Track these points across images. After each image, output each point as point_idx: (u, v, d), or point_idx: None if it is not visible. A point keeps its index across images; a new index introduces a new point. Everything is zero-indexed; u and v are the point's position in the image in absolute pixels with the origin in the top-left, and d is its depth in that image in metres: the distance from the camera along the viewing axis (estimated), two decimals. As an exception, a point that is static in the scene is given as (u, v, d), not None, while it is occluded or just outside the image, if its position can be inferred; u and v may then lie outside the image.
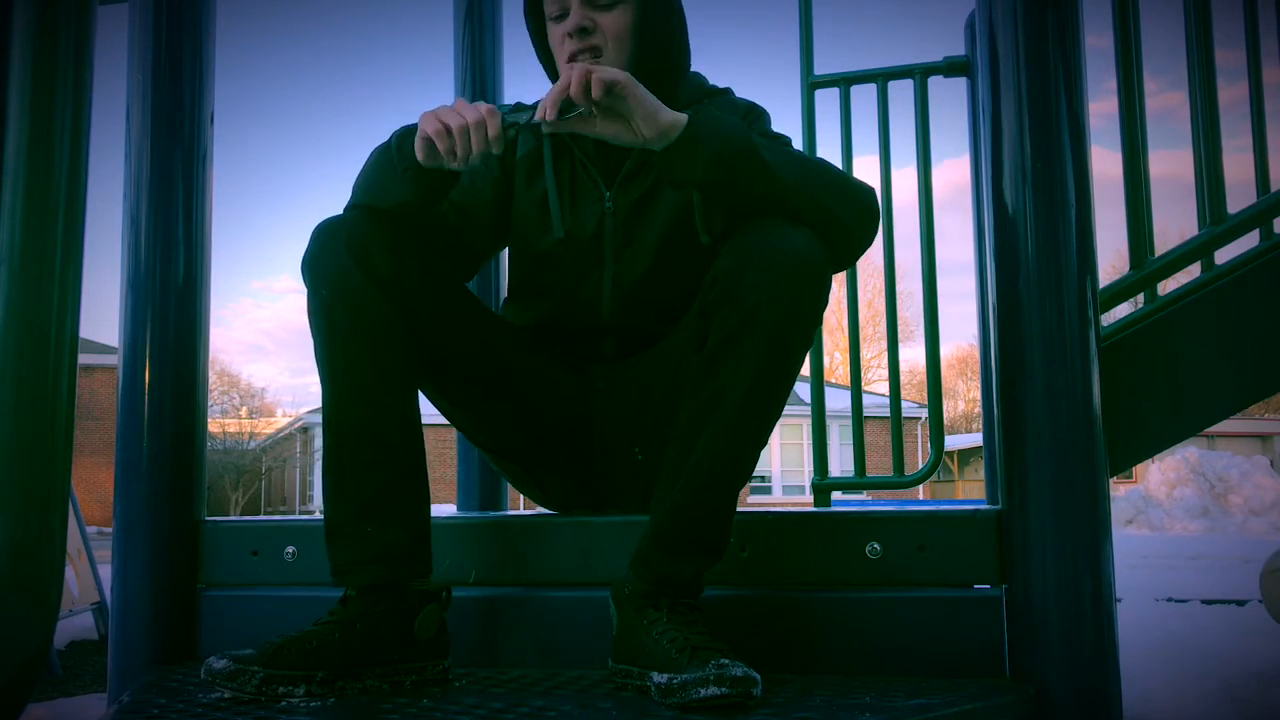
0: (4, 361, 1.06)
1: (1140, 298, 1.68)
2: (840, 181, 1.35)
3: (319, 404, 1.42)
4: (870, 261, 1.73)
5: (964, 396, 37.57)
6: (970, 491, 25.08)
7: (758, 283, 1.21)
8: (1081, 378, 1.30)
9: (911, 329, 26.21)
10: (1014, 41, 1.36)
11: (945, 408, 5.44)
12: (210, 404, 2.51)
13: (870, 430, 12.92)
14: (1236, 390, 1.54)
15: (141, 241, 1.58)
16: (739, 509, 1.34)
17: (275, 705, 1.18)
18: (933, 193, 2.15)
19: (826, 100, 2.21)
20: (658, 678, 1.15)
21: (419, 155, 1.31)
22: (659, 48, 1.49)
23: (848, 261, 1.38)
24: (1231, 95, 1.71)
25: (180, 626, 1.56)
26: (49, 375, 1.08)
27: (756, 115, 1.57)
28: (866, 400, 2.22)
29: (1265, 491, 12.49)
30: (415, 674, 1.31)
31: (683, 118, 1.28)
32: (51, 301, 1.09)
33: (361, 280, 1.31)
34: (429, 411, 1.58)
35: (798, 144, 1.57)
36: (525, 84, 1.61)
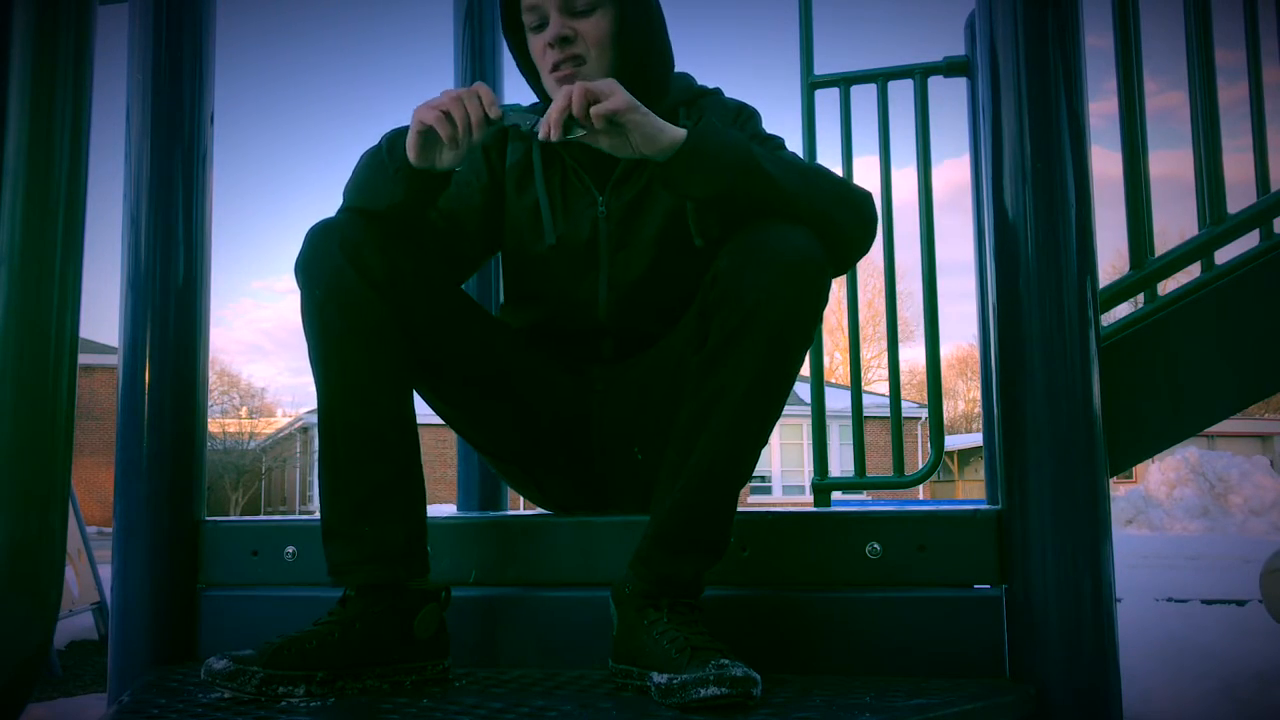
0: (4, 361, 1.06)
1: (1140, 298, 1.68)
2: (839, 187, 1.36)
3: (319, 404, 1.42)
4: (870, 261, 1.73)
5: (964, 396, 37.57)
6: (970, 491, 25.08)
7: (757, 282, 1.21)
8: (1081, 378, 1.30)
9: (911, 329, 26.22)
10: (1014, 41, 1.36)
11: (945, 408, 5.44)
12: (210, 404, 2.51)
13: (870, 430, 12.92)
14: (1236, 390, 1.54)
15: (141, 241, 1.57)
16: (739, 509, 1.34)
17: (275, 705, 1.18)
18: (933, 193, 2.15)
19: (826, 100, 2.21)
20: (658, 678, 1.15)
21: (411, 153, 1.32)
22: (640, 50, 1.49)
23: (846, 266, 1.39)
24: (1231, 95, 1.71)
25: (180, 626, 1.56)
26: (49, 375, 1.08)
27: (748, 116, 1.57)
28: (866, 400, 2.22)
29: (1265, 491, 12.49)
30: (415, 674, 1.31)
31: (681, 132, 1.28)
32: (51, 301, 1.09)
33: (355, 280, 1.31)
34: (428, 411, 1.58)
35: (796, 144, 1.58)
36: (525, 84, 1.61)
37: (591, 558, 1.47)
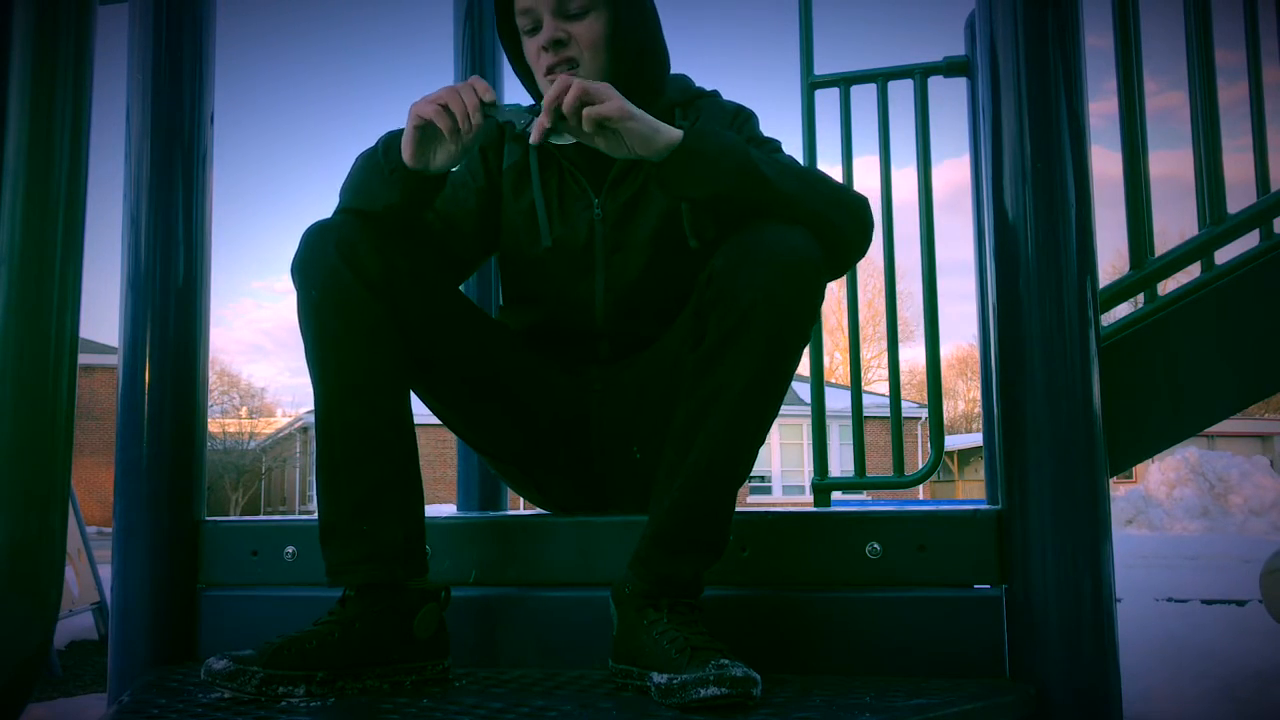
0: (4, 361, 1.06)
1: (1140, 298, 1.68)
2: (836, 191, 1.36)
3: (319, 404, 1.42)
4: (870, 261, 1.73)
5: (964, 396, 37.57)
6: (970, 491, 25.07)
7: (753, 281, 1.21)
8: (1081, 378, 1.30)
9: (911, 329, 26.23)
10: (1014, 41, 1.36)
11: (945, 408, 5.44)
12: (210, 404, 2.51)
13: (870, 430, 12.92)
14: (1236, 390, 1.54)
15: (141, 241, 1.57)
16: (739, 509, 1.34)
17: (275, 705, 1.18)
18: (933, 193, 2.15)
19: (826, 100, 2.21)
20: (658, 678, 1.15)
21: (407, 151, 1.32)
22: (634, 52, 1.49)
23: (843, 269, 1.39)
24: (1231, 95, 1.71)
25: (180, 626, 1.56)
26: (49, 375, 1.08)
27: (745, 118, 1.57)
28: (866, 400, 2.22)
29: (1265, 491, 12.48)
30: (415, 674, 1.31)
31: (678, 134, 1.29)
32: (51, 301, 1.09)
33: (351, 280, 1.31)
34: (428, 412, 1.58)
35: (796, 145, 1.58)
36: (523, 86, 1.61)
37: (591, 558, 1.47)
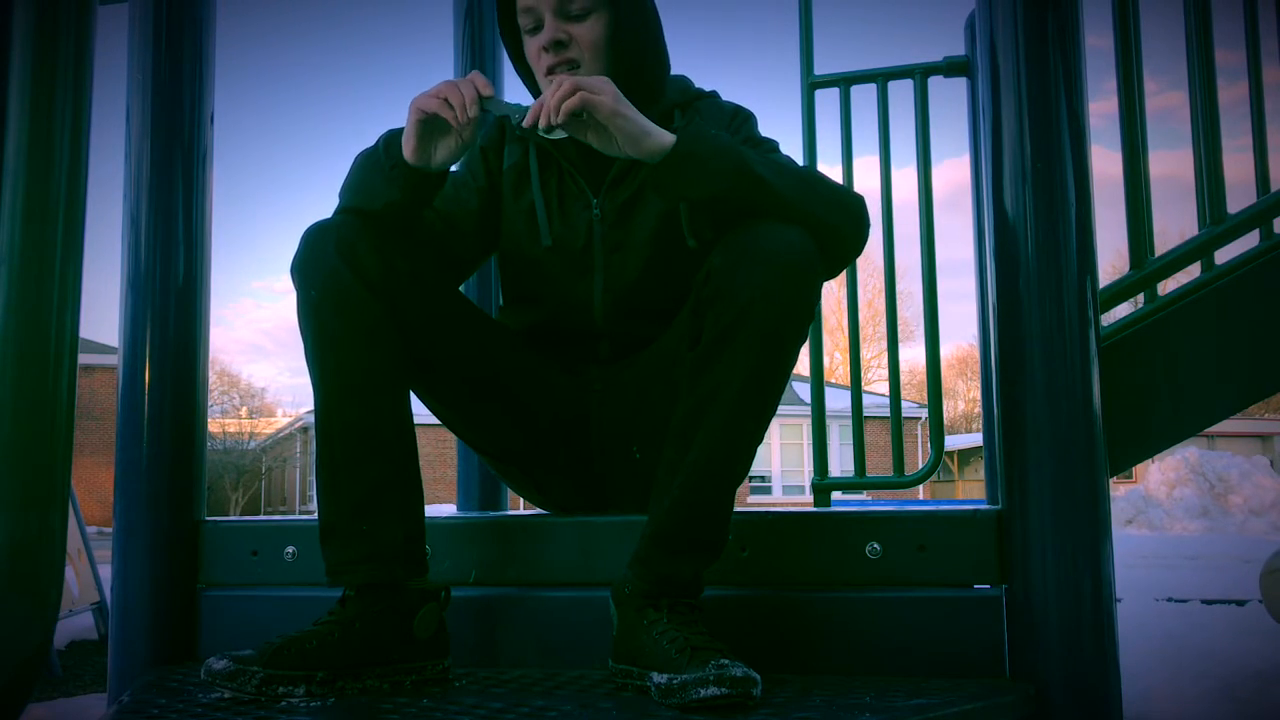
0: (4, 361, 1.06)
1: (1140, 298, 1.68)
2: (832, 190, 1.36)
3: (319, 404, 1.42)
4: (870, 261, 1.73)
5: (964, 396, 37.57)
6: (970, 491, 25.07)
7: (751, 280, 1.21)
8: (1081, 378, 1.30)
9: (911, 329, 26.23)
10: (1014, 42, 1.36)
11: (945, 408, 5.45)
12: (210, 404, 2.51)
13: (870, 430, 12.92)
14: (1236, 390, 1.54)
15: (141, 241, 1.58)
16: (739, 509, 1.34)
17: (275, 705, 1.18)
18: (933, 193, 2.15)
19: (826, 100, 2.21)
20: (658, 678, 1.16)
21: (409, 147, 1.33)
22: (635, 54, 1.49)
23: (840, 267, 1.39)
24: (1231, 95, 1.71)
25: (180, 626, 1.56)
26: (49, 375, 1.08)
27: (743, 119, 1.57)
28: (866, 400, 2.22)
29: (1265, 491, 12.48)
30: (415, 674, 1.31)
31: (671, 137, 1.29)
32: (51, 301, 1.09)
33: (350, 280, 1.31)
34: (428, 412, 1.58)
35: (796, 145, 1.58)
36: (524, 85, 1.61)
37: (591, 558, 1.47)
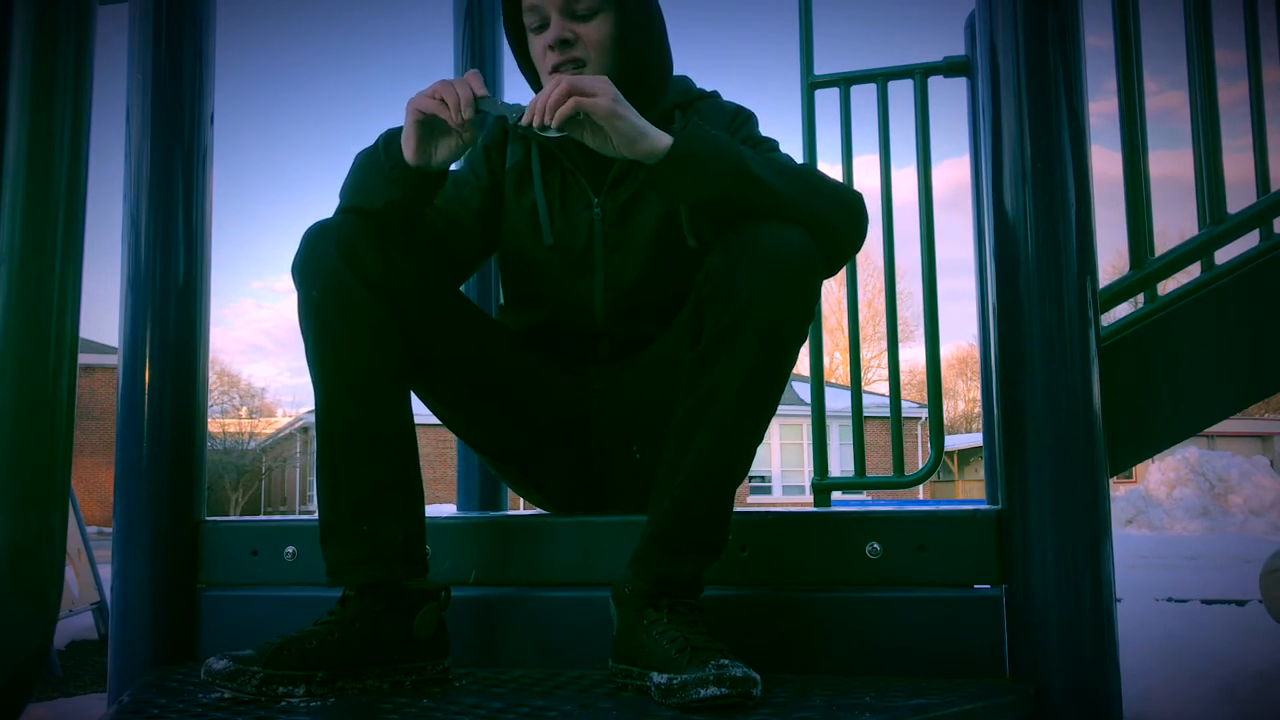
0: (4, 361, 1.06)
1: (1140, 298, 1.68)
2: (830, 188, 1.36)
3: (319, 404, 1.42)
4: (870, 261, 1.74)
5: (964, 396, 37.57)
6: (970, 491, 25.07)
7: (750, 280, 1.21)
8: (1081, 378, 1.30)
9: (911, 329, 26.22)
10: (1014, 42, 1.36)
11: (945, 408, 5.44)
12: (210, 404, 2.51)
13: (870, 430, 12.92)
14: (1236, 390, 1.54)
15: (141, 241, 1.57)
16: (738, 509, 1.34)
17: (275, 705, 1.18)
18: (933, 193, 2.15)
19: (826, 100, 2.21)
20: (658, 678, 1.16)
21: (409, 147, 1.33)
22: (640, 55, 1.49)
23: (839, 265, 1.39)
24: (1231, 95, 1.71)
25: (180, 626, 1.56)
26: (49, 375, 1.08)
27: (744, 119, 1.57)
28: (866, 400, 2.22)
29: (1265, 491, 12.48)
30: (415, 674, 1.31)
31: (668, 138, 1.28)
32: (51, 301, 1.09)
33: (351, 280, 1.31)
34: (429, 411, 1.58)
35: (796, 144, 1.58)
36: (526, 84, 1.61)
37: (591, 558, 1.47)
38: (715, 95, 1.62)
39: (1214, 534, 11.18)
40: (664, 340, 1.49)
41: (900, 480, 2.18)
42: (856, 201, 1.37)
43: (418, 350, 1.41)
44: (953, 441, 26.27)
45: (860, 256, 1.45)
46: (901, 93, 2.16)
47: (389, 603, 1.30)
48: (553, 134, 1.29)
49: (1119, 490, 13.72)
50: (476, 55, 2.39)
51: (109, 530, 1.79)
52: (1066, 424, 1.30)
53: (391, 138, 1.37)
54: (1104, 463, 1.31)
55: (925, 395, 3.28)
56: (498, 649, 1.46)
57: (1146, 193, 1.67)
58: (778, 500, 22.91)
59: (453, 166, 1.42)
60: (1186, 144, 1.67)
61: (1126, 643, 1.40)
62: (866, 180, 2.21)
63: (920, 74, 2.14)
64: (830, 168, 1.60)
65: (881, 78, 2.17)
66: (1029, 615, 1.30)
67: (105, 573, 2.03)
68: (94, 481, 20.69)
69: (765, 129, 1.58)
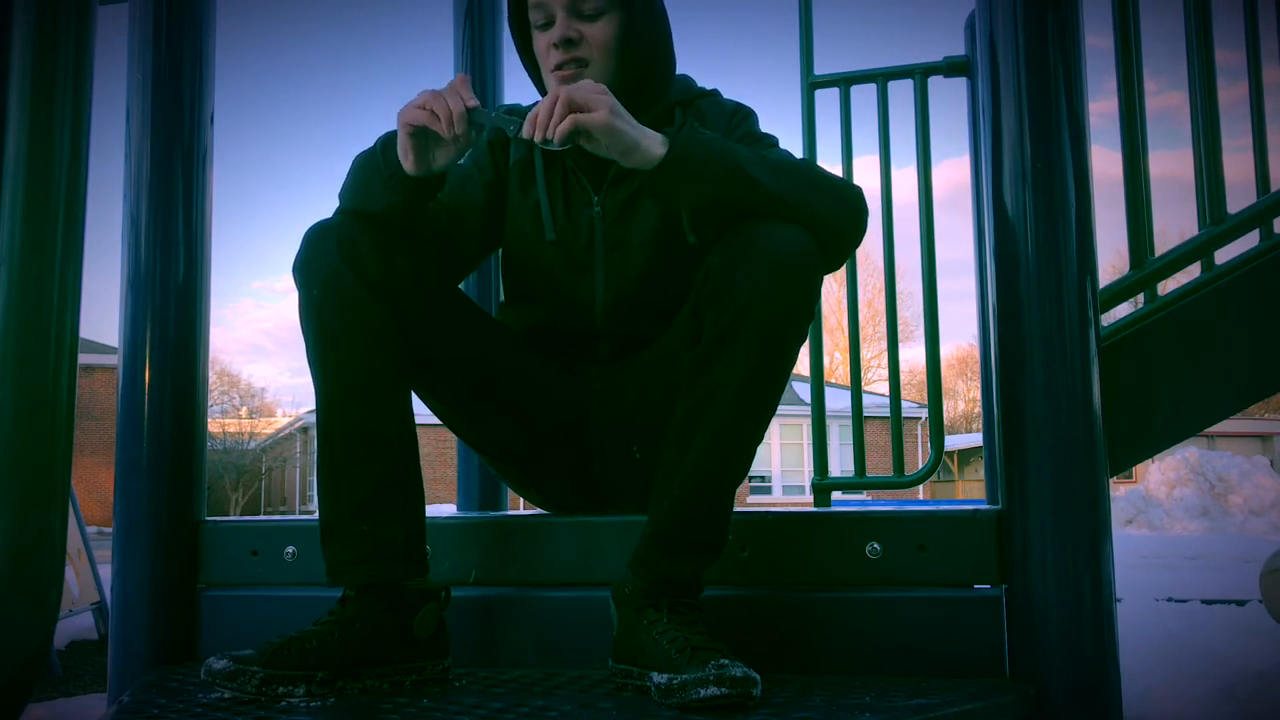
0: (4, 361, 1.06)
1: (1140, 298, 1.68)
2: (828, 183, 1.35)
3: (319, 404, 1.42)
4: (870, 261, 1.74)
5: (964, 396, 37.57)
6: (970, 491, 25.07)
7: (750, 280, 1.21)
8: (1081, 378, 1.30)
9: (911, 329, 26.22)
10: (1014, 42, 1.36)
11: (945, 408, 5.44)
12: (210, 404, 2.51)
13: (870, 430, 12.92)
14: (1236, 390, 1.54)
15: (141, 241, 1.58)
16: (739, 509, 1.34)
17: (275, 705, 1.18)
18: (933, 193, 2.15)
19: (826, 100, 2.21)
20: (658, 678, 1.16)
21: (406, 161, 1.32)
22: (644, 56, 1.49)
23: (839, 261, 1.39)
24: (1231, 95, 1.71)
25: (180, 626, 1.56)
26: (49, 375, 1.08)
27: (743, 116, 1.57)
28: (866, 400, 2.22)
29: (1265, 491, 12.48)
30: (415, 674, 1.31)
31: (661, 148, 1.27)
32: (51, 301, 1.09)
33: (352, 280, 1.31)
34: (429, 411, 1.58)
35: (796, 145, 1.58)
36: (526, 84, 1.61)
37: (591, 558, 1.47)
38: (715, 93, 1.62)
39: (1214, 534, 11.18)
40: (664, 340, 1.49)
41: (900, 480, 2.18)
42: (856, 196, 1.37)
43: (418, 350, 1.41)
44: (953, 441, 26.27)
45: (860, 256, 1.45)
46: (901, 93, 2.16)
47: (389, 603, 1.30)
48: (554, 146, 1.27)
49: (1119, 490, 13.72)
50: (476, 55, 2.39)
51: (109, 530, 1.79)
52: (1066, 424, 1.30)
53: (389, 142, 1.36)
54: (1104, 463, 1.31)
55: (925, 395, 3.28)
56: (498, 649, 1.46)
57: (1146, 193, 1.67)
58: (778, 500, 22.91)
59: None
60: (1186, 144, 1.67)
61: (1126, 643, 1.40)
62: (866, 180, 2.20)
63: (920, 74, 2.14)
64: (830, 168, 1.60)
65: (881, 78, 2.17)
66: (1029, 615, 1.30)
67: (105, 573, 2.03)
68: (94, 481, 20.69)
69: (765, 129, 1.58)
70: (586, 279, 1.54)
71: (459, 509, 2.34)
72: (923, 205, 2.14)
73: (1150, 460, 9.16)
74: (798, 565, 1.41)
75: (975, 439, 24.12)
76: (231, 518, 2.39)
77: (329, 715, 1.15)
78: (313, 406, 1.36)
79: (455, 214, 1.57)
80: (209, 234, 1.65)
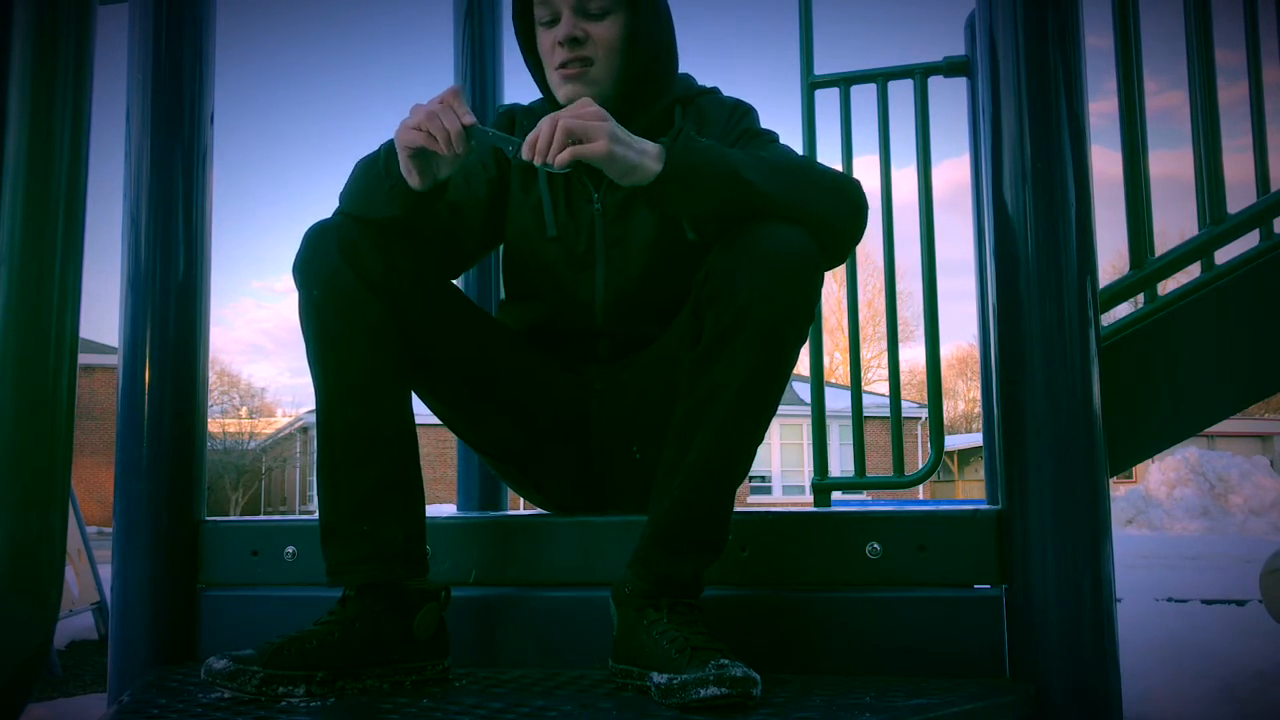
0: (4, 361, 1.06)
1: (1140, 298, 1.68)
2: (827, 180, 1.35)
3: (319, 404, 1.42)
4: (870, 261, 1.74)
5: (964, 396, 37.57)
6: (970, 491, 25.07)
7: (750, 280, 1.21)
8: (1081, 378, 1.30)
9: (911, 329, 26.22)
10: (1014, 41, 1.36)
11: (945, 408, 5.44)
12: (210, 404, 2.51)
13: (870, 430, 12.91)
14: (1236, 390, 1.54)
15: (141, 241, 1.58)
16: (739, 509, 1.34)
17: (275, 705, 1.18)
18: (933, 193, 2.15)
19: (826, 100, 2.21)
20: (658, 678, 1.16)
21: (410, 179, 1.31)
22: (648, 56, 1.49)
23: (840, 258, 1.38)
24: (1231, 95, 1.71)
25: (180, 626, 1.56)
26: (49, 375, 1.08)
27: (743, 113, 1.57)
28: (866, 400, 2.22)
29: (1265, 491, 12.49)
30: (415, 674, 1.31)
31: (657, 165, 1.26)
32: (51, 301, 1.09)
33: (352, 280, 1.31)
34: (429, 411, 1.58)
35: (796, 145, 1.57)
36: (526, 84, 1.62)
37: (591, 558, 1.47)
38: (716, 91, 1.62)
39: (1214, 534, 11.18)
40: (664, 340, 1.49)
41: (900, 480, 2.18)
42: (855, 192, 1.37)
43: (418, 350, 1.41)
44: (953, 441, 26.27)
45: (860, 256, 1.45)
46: (901, 93, 2.16)
47: (389, 603, 1.30)
48: (553, 170, 1.27)
49: (1119, 490, 13.72)
50: (476, 55, 2.39)
51: (109, 530, 1.79)
52: (1066, 424, 1.30)
53: (391, 151, 1.34)
54: (1104, 463, 1.31)
55: (925, 395, 3.28)
56: (498, 649, 1.46)
57: (1146, 193, 1.67)
58: (778, 500, 22.91)
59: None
60: (1186, 144, 1.67)
61: (1126, 643, 1.40)
62: (867, 180, 2.20)
63: (920, 74, 2.14)
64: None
65: (881, 78, 2.17)
66: (1029, 615, 1.30)
67: (105, 573, 2.03)
68: (94, 481, 20.69)
69: (761, 127, 1.57)
70: (587, 276, 1.54)
71: (459, 509, 2.34)
72: (923, 205, 2.14)
73: (1150, 460, 9.16)
74: (798, 565, 1.41)
75: (975, 439, 24.12)
76: (231, 518, 2.39)
77: (329, 715, 1.15)
78: (313, 406, 1.36)
79: (457, 210, 1.56)
80: (209, 233, 1.65)
